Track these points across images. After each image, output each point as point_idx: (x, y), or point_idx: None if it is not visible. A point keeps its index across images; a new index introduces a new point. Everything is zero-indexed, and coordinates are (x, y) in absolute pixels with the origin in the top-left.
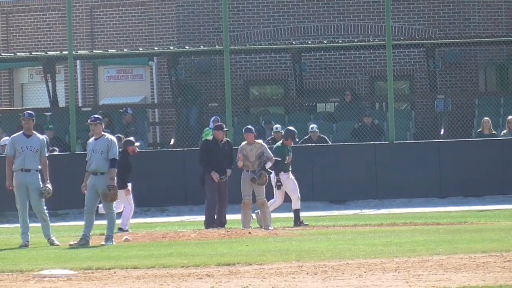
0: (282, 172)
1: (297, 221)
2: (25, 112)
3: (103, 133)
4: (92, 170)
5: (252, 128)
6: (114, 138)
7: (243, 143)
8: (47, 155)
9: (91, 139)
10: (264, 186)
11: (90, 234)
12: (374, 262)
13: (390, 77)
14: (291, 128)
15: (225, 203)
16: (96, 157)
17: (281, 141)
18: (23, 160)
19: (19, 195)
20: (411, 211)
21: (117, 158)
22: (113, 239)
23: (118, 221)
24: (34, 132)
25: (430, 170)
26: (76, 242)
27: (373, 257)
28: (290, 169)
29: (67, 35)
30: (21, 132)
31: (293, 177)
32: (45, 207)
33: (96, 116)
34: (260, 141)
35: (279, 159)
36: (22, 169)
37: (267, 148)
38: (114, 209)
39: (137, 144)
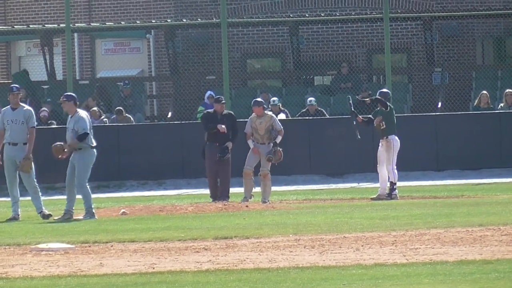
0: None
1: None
2: (11, 86)
3: (78, 109)
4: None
5: (262, 101)
6: (85, 113)
7: (252, 115)
8: (35, 125)
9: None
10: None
11: (73, 208)
12: (371, 236)
13: (387, 50)
14: (382, 90)
15: (226, 179)
16: (72, 134)
17: None
18: (10, 134)
19: (6, 169)
20: (408, 184)
21: (88, 132)
22: (93, 213)
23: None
24: (21, 104)
25: (427, 143)
26: (60, 217)
27: (370, 230)
28: (385, 135)
29: (65, 8)
30: (9, 106)
31: (385, 145)
32: (35, 180)
33: (68, 94)
34: (270, 113)
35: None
36: (9, 143)
37: (277, 120)
38: (87, 185)
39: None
